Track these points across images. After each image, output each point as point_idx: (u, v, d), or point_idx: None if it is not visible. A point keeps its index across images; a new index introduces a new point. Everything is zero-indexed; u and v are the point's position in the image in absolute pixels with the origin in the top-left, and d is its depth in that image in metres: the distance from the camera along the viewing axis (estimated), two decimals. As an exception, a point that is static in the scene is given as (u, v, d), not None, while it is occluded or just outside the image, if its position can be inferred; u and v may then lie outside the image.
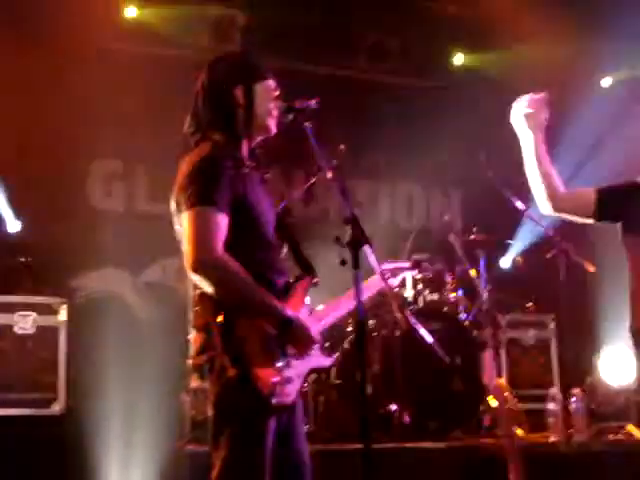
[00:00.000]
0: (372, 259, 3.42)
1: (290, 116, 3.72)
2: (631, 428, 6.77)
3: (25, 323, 6.67)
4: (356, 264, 3.40)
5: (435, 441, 6.15)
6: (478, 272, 7.17)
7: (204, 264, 3.22)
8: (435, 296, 7.06)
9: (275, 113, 3.64)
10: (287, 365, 3.31)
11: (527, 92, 4.38)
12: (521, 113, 4.40)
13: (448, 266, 7.22)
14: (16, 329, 6.64)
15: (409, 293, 6.85)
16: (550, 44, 8.76)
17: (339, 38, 8.95)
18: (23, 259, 7.35)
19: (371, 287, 3.86)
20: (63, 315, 6.80)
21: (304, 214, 8.14)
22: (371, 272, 3.63)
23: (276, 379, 3.25)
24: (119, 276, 8.06)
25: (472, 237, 7.27)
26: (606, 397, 7.06)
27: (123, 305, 7.97)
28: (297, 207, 8.55)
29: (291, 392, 3.33)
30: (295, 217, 7.79)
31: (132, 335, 7.64)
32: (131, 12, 8.25)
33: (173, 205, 3.44)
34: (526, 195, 5.67)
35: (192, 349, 3.40)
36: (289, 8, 8.51)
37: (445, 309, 6.97)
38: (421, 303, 6.91)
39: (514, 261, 7.74)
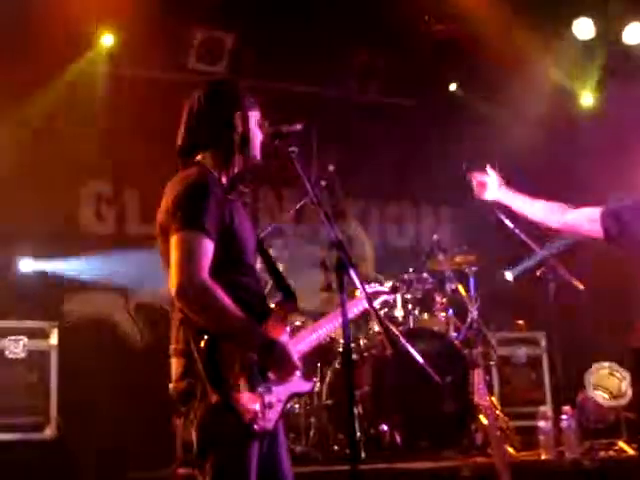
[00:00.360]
0: (358, 283, 3.44)
1: (277, 141, 3.72)
2: (622, 445, 6.78)
3: (16, 347, 6.67)
4: (341, 287, 3.45)
5: (426, 461, 6.15)
6: (468, 291, 7.21)
7: (189, 288, 3.23)
8: (425, 316, 7.07)
9: (261, 141, 3.67)
10: (268, 391, 3.34)
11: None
12: (481, 195, 4.76)
13: (438, 285, 7.23)
14: (7, 353, 6.64)
15: (399, 313, 6.85)
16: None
17: (328, 58, 8.97)
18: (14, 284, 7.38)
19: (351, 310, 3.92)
20: (54, 339, 6.81)
21: (295, 233, 8.14)
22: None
23: (258, 405, 3.27)
24: (110, 298, 8.05)
25: (461, 256, 7.32)
26: (597, 414, 7.07)
27: (114, 328, 7.97)
28: (288, 227, 8.62)
29: (272, 417, 3.34)
30: (286, 236, 7.92)
31: (123, 358, 7.65)
32: (107, 40, 8.19)
33: (157, 227, 3.44)
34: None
35: (172, 375, 3.39)
36: (277, 30, 8.54)
37: (435, 328, 6.97)
38: (411, 323, 6.91)
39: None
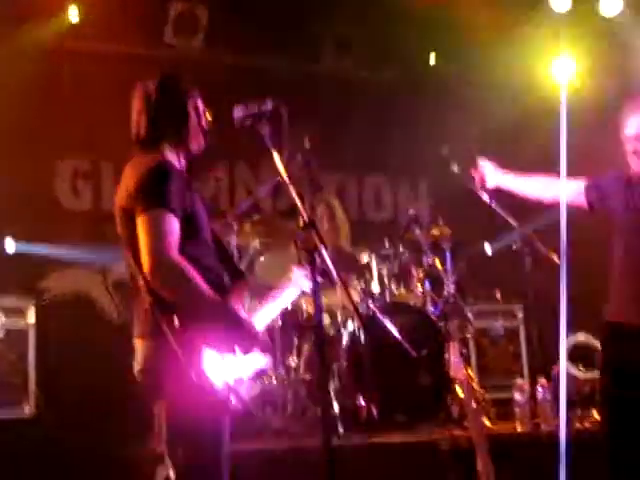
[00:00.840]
0: (328, 262, 3.48)
1: (248, 121, 3.82)
2: (597, 416, 6.83)
3: (-7, 326, 6.67)
4: (312, 267, 3.49)
5: (403, 434, 6.20)
6: (444, 264, 7.23)
7: (162, 266, 3.33)
8: (402, 290, 7.09)
9: (205, 127, 3.86)
10: (237, 367, 3.48)
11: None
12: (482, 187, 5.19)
13: (414, 259, 7.24)
14: (-16, 332, 6.64)
15: (375, 287, 6.87)
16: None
17: (303, 31, 8.95)
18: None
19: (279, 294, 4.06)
20: (31, 317, 6.82)
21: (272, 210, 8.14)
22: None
23: (229, 382, 3.39)
24: (88, 275, 8.04)
25: (437, 229, 7.33)
26: (572, 386, 7.12)
27: (92, 305, 7.96)
28: (265, 203, 8.62)
29: (244, 392, 3.48)
30: (263, 212, 7.93)
31: (101, 335, 7.64)
32: (73, 13, 8.07)
33: (118, 210, 3.54)
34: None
35: (139, 357, 3.47)
36: (253, 3, 8.50)
37: (412, 302, 7.00)
38: (387, 297, 6.93)
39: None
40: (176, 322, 3.31)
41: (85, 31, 8.19)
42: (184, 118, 3.73)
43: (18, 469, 6.17)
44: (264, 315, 3.91)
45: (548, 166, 7.94)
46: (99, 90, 7.95)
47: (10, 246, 7.52)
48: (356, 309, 3.52)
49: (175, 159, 3.68)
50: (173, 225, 3.39)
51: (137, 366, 3.49)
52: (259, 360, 3.67)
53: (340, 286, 3.60)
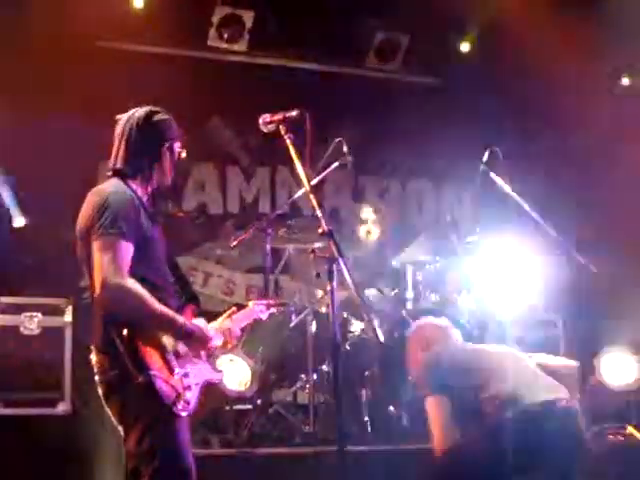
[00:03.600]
0: (346, 273, 3.52)
1: (272, 127, 4.02)
2: (631, 429, 6.75)
3: (31, 324, 6.74)
4: (331, 276, 3.54)
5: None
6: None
7: (113, 287, 3.53)
8: (437, 297, 7.06)
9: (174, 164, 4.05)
10: (185, 375, 3.69)
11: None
12: None
13: (450, 267, 7.21)
14: (22, 329, 6.71)
15: (410, 294, 6.85)
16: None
17: (348, 37, 8.96)
18: (30, 260, 7.45)
19: (246, 317, 4.36)
20: (69, 316, 6.88)
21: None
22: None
23: (179, 387, 3.62)
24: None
25: (472, 237, 7.28)
26: (607, 398, 7.04)
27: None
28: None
29: (191, 399, 3.69)
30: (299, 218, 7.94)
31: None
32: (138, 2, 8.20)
33: (78, 232, 3.76)
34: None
35: (96, 369, 3.71)
36: (297, 7, 8.53)
37: (446, 309, 6.95)
38: (422, 304, 6.91)
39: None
40: (125, 333, 3.52)
41: (131, 32, 8.28)
42: (155, 159, 3.93)
43: (53, 467, 6.26)
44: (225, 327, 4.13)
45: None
46: (144, 90, 8.00)
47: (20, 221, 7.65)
48: (370, 321, 3.56)
49: (139, 189, 3.87)
50: (124, 250, 3.60)
51: (96, 377, 3.74)
52: (211, 374, 3.95)
53: (356, 297, 3.58)
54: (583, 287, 6.95)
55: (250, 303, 4.46)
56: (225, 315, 4.16)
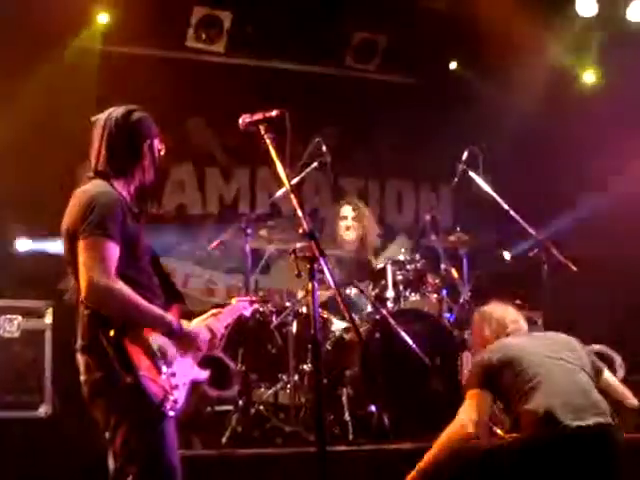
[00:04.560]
0: (327, 272, 3.52)
1: (252, 127, 3.99)
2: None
3: (11, 326, 6.72)
4: (312, 276, 3.54)
5: (414, 442, 6.17)
6: (461, 272, 7.21)
7: (99, 288, 3.53)
8: (417, 296, 7.06)
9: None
10: (172, 375, 3.68)
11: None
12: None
13: (431, 266, 7.22)
14: (2, 332, 6.68)
15: (390, 293, 6.85)
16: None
17: (326, 36, 8.96)
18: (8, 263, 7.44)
19: (231, 314, 4.34)
20: (49, 318, 6.86)
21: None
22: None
23: (166, 386, 3.61)
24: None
25: (455, 236, 7.31)
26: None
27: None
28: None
29: (179, 399, 3.68)
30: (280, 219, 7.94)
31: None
32: (102, 19, 8.21)
33: (64, 232, 3.74)
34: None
35: (82, 369, 3.69)
36: (275, 7, 8.53)
37: (425, 309, 6.97)
38: (402, 303, 6.91)
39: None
40: (112, 333, 3.52)
41: (108, 34, 8.26)
42: (137, 158, 3.91)
43: (34, 469, 6.24)
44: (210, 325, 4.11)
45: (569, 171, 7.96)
46: (122, 91, 7.98)
47: (24, 245, 7.64)
48: (352, 321, 3.55)
49: (123, 189, 3.85)
50: (110, 251, 3.60)
51: (82, 377, 3.71)
52: (198, 372, 3.95)
53: (337, 297, 3.58)
54: (562, 284, 6.96)
55: (233, 300, 4.45)
56: (208, 314, 4.15)
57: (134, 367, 3.51)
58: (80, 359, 3.70)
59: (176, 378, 3.68)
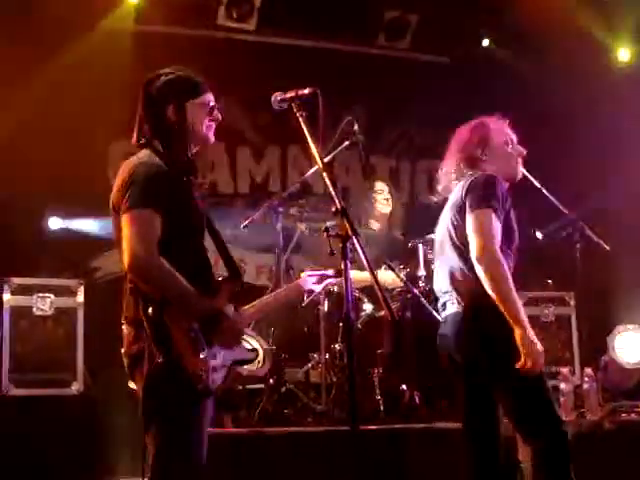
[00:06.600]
0: (360, 251, 3.48)
1: (284, 105, 3.89)
2: (644, 407, 6.76)
3: (43, 304, 6.76)
4: (344, 255, 3.50)
5: (445, 421, 6.17)
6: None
7: (141, 263, 3.44)
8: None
9: (212, 125, 3.87)
10: (212, 356, 3.56)
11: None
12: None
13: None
14: (35, 310, 6.74)
15: (421, 272, 6.83)
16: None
17: (358, 15, 8.91)
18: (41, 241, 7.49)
19: (291, 293, 4.31)
20: (80, 296, 6.90)
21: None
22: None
23: (202, 368, 3.49)
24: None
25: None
26: (621, 376, 7.04)
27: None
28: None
29: (216, 380, 3.57)
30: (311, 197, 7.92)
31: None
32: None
33: (111, 205, 3.65)
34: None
35: (124, 341, 3.61)
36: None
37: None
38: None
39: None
40: (150, 310, 3.43)
41: (140, 13, 8.25)
42: (162, 124, 3.75)
43: (65, 447, 6.30)
44: (262, 309, 4.12)
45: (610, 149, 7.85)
46: (153, 71, 7.97)
47: (56, 224, 7.68)
48: (385, 300, 3.49)
49: (169, 156, 3.71)
50: (153, 223, 3.48)
51: (122, 349, 3.64)
52: (242, 353, 3.83)
53: (370, 275, 3.53)
54: (596, 264, 6.91)
55: (302, 274, 4.33)
56: (268, 296, 4.13)
57: (171, 346, 3.42)
58: (124, 331, 3.62)
59: (216, 359, 3.58)
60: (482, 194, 4.21)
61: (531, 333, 4.00)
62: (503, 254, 4.11)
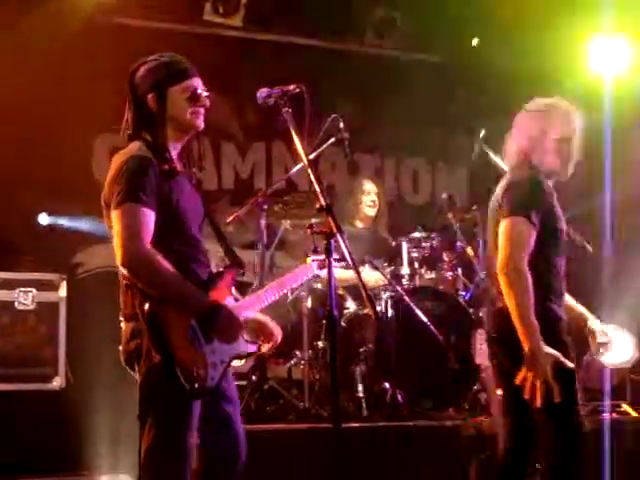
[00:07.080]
0: (344, 248, 3.48)
1: (271, 100, 3.88)
2: (626, 407, 6.77)
3: (26, 299, 6.73)
4: (328, 252, 3.50)
5: (428, 420, 6.18)
6: (476, 250, 7.17)
7: (133, 258, 3.41)
8: (432, 274, 7.04)
9: (199, 111, 3.85)
10: (211, 352, 3.50)
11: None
12: None
13: (447, 244, 7.19)
14: (16, 305, 6.70)
15: (405, 271, 6.84)
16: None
17: (344, 12, 8.89)
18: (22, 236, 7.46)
19: (297, 276, 4.25)
20: (63, 291, 6.87)
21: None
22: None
23: (200, 365, 3.44)
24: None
25: (471, 215, 7.26)
26: (601, 376, 7.04)
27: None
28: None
29: (215, 377, 3.51)
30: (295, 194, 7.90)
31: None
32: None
33: (102, 200, 3.61)
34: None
35: (122, 338, 3.57)
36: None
37: (441, 287, 6.96)
38: (417, 281, 6.90)
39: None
40: (146, 307, 3.38)
41: (126, 6, 8.20)
42: (144, 114, 3.70)
43: (47, 442, 6.26)
44: (265, 297, 4.02)
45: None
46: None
47: (44, 219, 7.64)
48: (369, 298, 3.48)
49: (159, 147, 3.67)
50: (145, 218, 3.45)
51: (120, 346, 3.61)
52: (243, 346, 3.75)
53: (354, 272, 3.52)
54: (575, 263, 6.90)
55: (307, 259, 4.28)
56: (274, 282, 4.11)
57: (168, 344, 3.37)
58: (122, 327, 3.59)
59: (215, 355, 3.51)
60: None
61: (544, 350, 4.11)
62: (539, 264, 4.15)
